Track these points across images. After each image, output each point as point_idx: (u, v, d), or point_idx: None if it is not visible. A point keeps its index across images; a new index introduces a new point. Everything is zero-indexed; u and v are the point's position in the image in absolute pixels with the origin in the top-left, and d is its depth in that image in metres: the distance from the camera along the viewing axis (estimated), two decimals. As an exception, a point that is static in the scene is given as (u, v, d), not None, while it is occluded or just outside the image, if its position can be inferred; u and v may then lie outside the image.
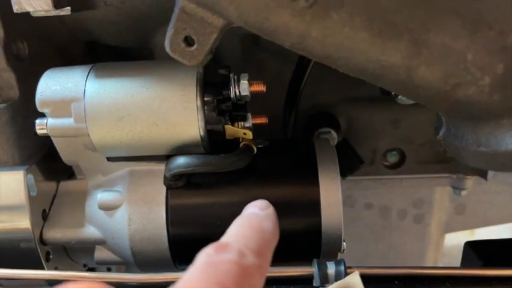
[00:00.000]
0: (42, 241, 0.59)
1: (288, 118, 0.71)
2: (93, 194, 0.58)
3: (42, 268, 0.58)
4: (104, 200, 0.56)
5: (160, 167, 0.55)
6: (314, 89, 0.73)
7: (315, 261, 0.48)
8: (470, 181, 0.89)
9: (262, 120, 0.56)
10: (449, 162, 0.84)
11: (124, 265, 0.65)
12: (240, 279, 0.27)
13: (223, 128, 0.52)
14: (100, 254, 0.60)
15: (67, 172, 0.62)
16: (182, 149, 0.53)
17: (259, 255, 0.30)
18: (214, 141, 0.53)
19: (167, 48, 0.44)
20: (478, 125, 0.43)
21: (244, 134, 0.53)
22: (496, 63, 0.38)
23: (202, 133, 0.51)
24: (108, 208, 0.56)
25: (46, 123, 0.52)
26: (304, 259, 0.52)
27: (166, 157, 0.54)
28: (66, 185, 0.62)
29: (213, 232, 0.53)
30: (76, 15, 0.49)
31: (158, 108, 0.50)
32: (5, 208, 0.55)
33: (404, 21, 0.38)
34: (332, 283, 0.45)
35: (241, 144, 0.54)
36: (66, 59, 0.64)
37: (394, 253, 1.11)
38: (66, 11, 0.47)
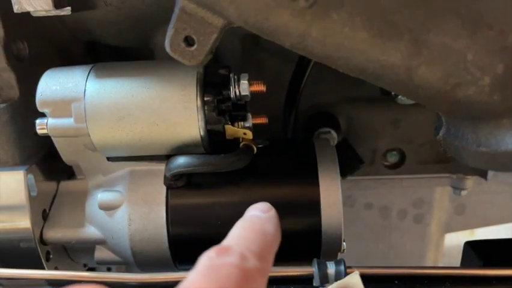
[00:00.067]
0: (42, 241, 0.59)
1: (288, 118, 0.71)
2: (93, 194, 0.58)
3: (42, 268, 0.58)
4: (104, 200, 0.56)
5: (160, 167, 0.55)
6: (314, 89, 0.73)
7: (315, 261, 0.48)
8: (470, 181, 0.89)
9: (262, 120, 0.56)
10: (449, 162, 0.84)
11: (124, 265, 0.65)
12: (241, 282, 0.27)
13: (223, 128, 0.52)
14: (100, 254, 0.60)
15: (67, 172, 0.62)
16: (182, 149, 0.53)
17: (261, 258, 0.30)
18: (214, 141, 0.53)
19: (168, 48, 0.44)
20: (478, 125, 0.43)
21: (244, 134, 0.53)
22: (496, 63, 0.38)
23: (202, 133, 0.51)
24: (108, 208, 0.56)
25: (46, 123, 0.52)
26: (304, 259, 0.52)
27: (166, 157, 0.54)
28: (66, 185, 0.62)
29: (213, 232, 0.54)
30: (76, 15, 0.49)
31: (159, 108, 0.50)
32: (5, 208, 0.55)
33: (404, 21, 0.38)
34: (332, 283, 0.45)
35: (241, 144, 0.54)
36: (66, 59, 0.64)
37: (394, 253, 1.11)
38: (66, 10, 0.47)
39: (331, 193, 0.54)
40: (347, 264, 0.47)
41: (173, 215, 0.54)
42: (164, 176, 0.54)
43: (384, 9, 0.38)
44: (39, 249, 0.57)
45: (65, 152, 0.55)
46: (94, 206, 0.57)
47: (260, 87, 0.52)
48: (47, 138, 0.53)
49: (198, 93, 0.50)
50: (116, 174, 0.57)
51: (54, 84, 0.52)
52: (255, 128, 0.54)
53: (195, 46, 0.43)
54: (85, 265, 0.69)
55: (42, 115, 0.53)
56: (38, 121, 0.52)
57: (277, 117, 0.69)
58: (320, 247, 0.55)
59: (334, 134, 0.75)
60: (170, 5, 0.44)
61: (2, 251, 0.57)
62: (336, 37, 0.39)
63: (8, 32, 0.53)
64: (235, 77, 0.52)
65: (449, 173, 0.87)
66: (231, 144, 0.54)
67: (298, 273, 0.49)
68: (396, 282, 0.49)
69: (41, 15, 0.46)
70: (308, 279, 0.48)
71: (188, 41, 0.44)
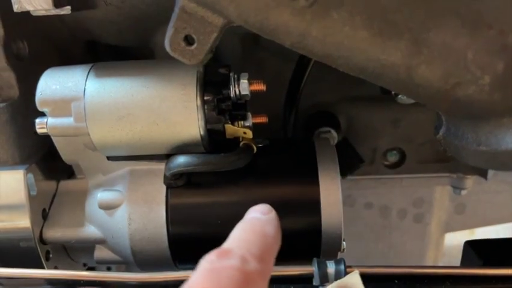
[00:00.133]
0: (42, 240, 0.59)
1: (288, 117, 0.71)
2: (93, 193, 0.58)
3: (42, 267, 0.58)
4: (104, 199, 0.56)
5: (160, 166, 0.55)
6: (314, 88, 0.73)
7: (315, 260, 0.48)
8: (470, 180, 0.89)
9: (262, 119, 0.56)
10: (449, 162, 0.84)
11: (124, 264, 0.65)
12: (242, 285, 0.27)
13: (223, 127, 0.52)
14: (100, 253, 0.60)
15: (67, 171, 0.62)
16: (182, 148, 0.53)
17: (261, 261, 0.30)
18: (214, 140, 0.53)
19: (168, 48, 0.44)
20: (478, 124, 0.43)
21: (244, 133, 0.53)
22: (496, 62, 0.38)
23: (202, 132, 0.51)
24: (108, 207, 0.56)
25: (46, 122, 0.52)
26: (304, 258, 0.52)
27: (166, 156, 0.54)
28: (66, 184, 0.62)
29: (213, 231, 0.54)
30: (76, 14, 0.49)
31: (159, 107, 0.50)
32: (5, 207, 0.55)
33: (404, 20, 0.38)
34: (332, 282, 0.45)
35: (241, 144, 0.54)
36: (66, 59, 0.64)
37: (394, 252, 1.11)
38: (66, 10, 0.47)
39: (331, 192, 0.54)
40: (347, 264, 0.47)
41: (173, 215, 0.54)
42: (164, 175, 0.54)
43: (385, 8, 0.38)
44: (39, 249, 0.57)
45: (65, 152, 0.55)
46: (94, 206, 0.57)
47: (260, 87, 0.52)
48: (46, 138, 0.53)
49: (198, 92, 0.50)
50: (116, 174, 0.57)
51: (54, 84, 0.52)
52: (255, 127, 0.54)
53: (195, 45, 0.43)
54: (84, 264, 0.69)
55: (42, 114, 0.53)
56: (37, 120, 0.52)
57: (277, 117, 0.69)
58: (320, 246, 0.55)
59: (334, 133, 0.75)
60: (170, 4, 0.43)
61: (2, 250, 0.57)
62: (336, 36, 0.39)
63: (8, 31, 0.53)
64: (235, 76, 0.52)
65: (449, 172, 0.87)
66: (231, 143, 0.54)
67: (298, 273, 0.49)
68: (396, 281, 0.49)
69: (41, 15, 0.46)
70: (308, 278, 0.48)
71: (188, 40, 0.43)
